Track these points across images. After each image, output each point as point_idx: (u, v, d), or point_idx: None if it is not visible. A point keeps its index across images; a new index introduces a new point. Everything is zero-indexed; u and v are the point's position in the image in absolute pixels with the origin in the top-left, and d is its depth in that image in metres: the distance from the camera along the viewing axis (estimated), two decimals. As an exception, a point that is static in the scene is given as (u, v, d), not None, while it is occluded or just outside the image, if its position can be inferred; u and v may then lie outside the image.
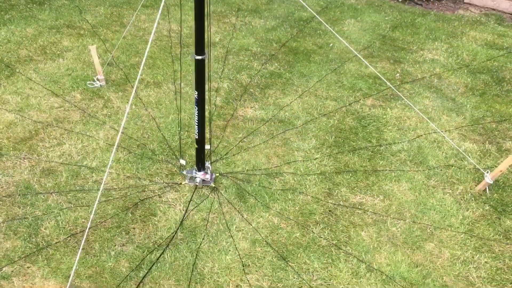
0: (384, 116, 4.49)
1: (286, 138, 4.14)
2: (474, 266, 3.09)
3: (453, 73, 5.25)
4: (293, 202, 3.49)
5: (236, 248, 3.10)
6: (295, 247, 3.14)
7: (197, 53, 2.99)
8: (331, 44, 5.71)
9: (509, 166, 3.57)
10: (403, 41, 5.93)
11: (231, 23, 6.17)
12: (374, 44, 5.80)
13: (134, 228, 3.19)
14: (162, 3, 2.56)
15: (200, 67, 3.06)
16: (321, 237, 3.23)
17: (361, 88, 4.90)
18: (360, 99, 4.71)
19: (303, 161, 3.88)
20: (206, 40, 2.92)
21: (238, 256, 3.05)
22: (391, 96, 4.76)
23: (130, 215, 3.29)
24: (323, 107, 4.57)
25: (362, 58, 3.63)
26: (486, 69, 5.36)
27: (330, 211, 3.45)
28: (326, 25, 3.96)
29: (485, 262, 3.12)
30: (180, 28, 5.87)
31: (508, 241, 3.27)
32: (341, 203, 3.52)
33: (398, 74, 5.18)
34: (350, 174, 3.78)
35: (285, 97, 4.69)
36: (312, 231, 3.27)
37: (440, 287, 2.93)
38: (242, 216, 3.34)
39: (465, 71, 5.31)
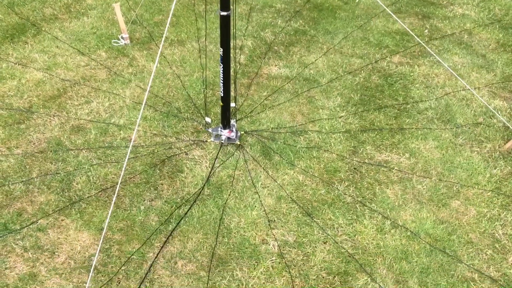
0: (411, 74, 4.40)
1: (311, 96, 4.11)
2: (501, 223, 3.09)
3: (484, 28, 5.08)
4: (318, 160, 3.50)
5: (261, 204, 3.15)
6: (320, 204, 3.18)
7: (222, 9, 2.96)
8: (357, 0, 5.55)
9: (540, 124, 3.49)
10: (432, -5, 5.72)
11: (254, -21, 6.04)
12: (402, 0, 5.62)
13: (162, 184, 3.27)
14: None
15: (225, 23, 3.03)
16: (346, 194, 3.25)
17: (388, 45, 4.79)
18: (386, 56, 4.62)
19: (328, 119, 3.87)
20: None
21: (264, 212, 3.10)
22: (419, 53, 4.64)
23: (158, 171, 3.35)
24: (349, 64, 4.50)
25: (391, 13, 3.53)
26: (519, 24, 5.16)
27: (355, 168, 3.45)
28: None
29: (512, 219, 3.11)
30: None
31: (536, 199, 3.24)
32: (366, 161, 3.51)
33: (426, 30, 5.04)
34: (376, 132, 3.76)
35: (310, 55, 4.62)
36: (337, 188, 3.29)
37: (465, 243, 2.95)
38: (267, 173, 3.38)
39: (497, 26, 5.12)
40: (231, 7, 2.94)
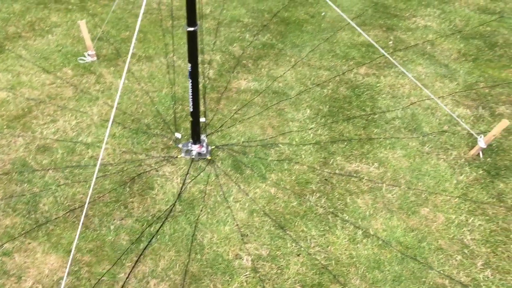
0: (378, 84, 4.48)
1: (280, 109, 4.14)
2: (469, 229, 3.15)
3: (446, 39, 5.24)
4: (289, 172, 3.52)
5: (234, 218, 3.14)
6: (292, 216, 3.18)
7: (189, 25, 2.96)
8: (323, 13, 5.65)
9: (502, 130, 3.59)
10: (395, 8, 5.87)
11: (221, -6, 6.08)
12: (366, 12, 5.74)
13: (132, 202, 3.22)
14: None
15: (192, 38, 3.04)
16: (318, 206, 3.27)
17: (354, 57, 4.88)
18: (353, 68, 4.70)
19: (298, 131, 3.90)
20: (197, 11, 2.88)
21: (237, 226, 3.09)
22: (384, 64, 4.74)
23: (128, 189, 3.30)
24: (317, 77, 4.56)
25: (355, 26, 3.60)
26: (478, 34, 5.34)
27: (326, 179, 3.48)
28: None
29: (479, 224, 3.18)
30: (170, 1, 5.77)
31: (501, 204, 3.33)
32: (337, 171, 3.55)
33: (391, 42, 5.16)
34: (345, 143, 3.80)
35: (278, 68, 4.66)
36: (308, 200, 3.31)
37: (435, 250, 3.00)
38: (239, 187, 3.37)
39: (458, 36, 5.29)
40: (198, 22, 2.95)
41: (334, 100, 4.27)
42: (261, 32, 5.25)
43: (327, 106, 4.18)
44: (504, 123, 3.50)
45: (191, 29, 2.97)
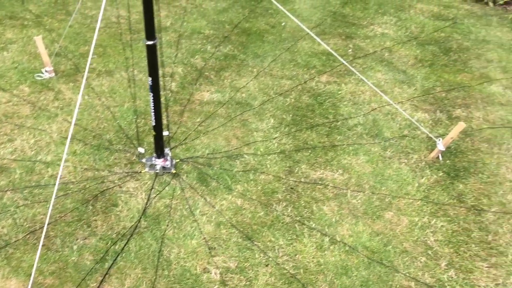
0: (339, 92, 4.56)
1: (244, 119, 4.14)
2: (431, 230, 3.23)
3: (403, 45, 5.38)
4: (255, 183, 3.52)
5: (201, 232, 3.11)
6: (259, 226, 3.18)
7: (148, 38, 2.94)
8: (283, 23, 5.72)
9: (460, 132, 3.71)
10: (353, 16, 6.00)
11: (181, 6, 6.06)
12: (325, 21, 5.85)
13: (96, 220, 3.14)
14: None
15: (152, 52, 3.01)
16: (285, 215, 3.28)
17: (315, 66, 4.95)
18: (315, 77, 4.76)
19: (263, 141, 3.91)
20: (156, 24, 2.86)
21: (204, 240, 3.06)
22: (345, 72, 4.83)
23: (91, 207, 3.23)
24: (279, 86, 4.59)
25: (314, 36, 3.66)
26: (433, 40, 5.51)
27: (292, 188, 3.50)
28: (277, 4, 3.96)
29: (441, 226, 3.26)
30: (129, 14, 5.72)
31: (461, 204, 3.42)
32: (302, 179, 3.57)
33: (350, 50, 5.26)
34: (309, 151, 3.84)
35: (241, 79, 4.68)
36: (275, 209, 3.32)
37: (400, 253, 3.05)
38: (205, 200, 3.34)
39: (414, 43, 5.45)
40: (158, 35, 2.93)
41: (297, 108, 4.31)
42: (222, 44, 5.26)
43: (290, 115, 4.22)
44: (460, 125, 3.61)
45: (150, 42, 2.95)
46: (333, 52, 3.80)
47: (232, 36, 5.42)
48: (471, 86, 4.71)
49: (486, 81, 4.79)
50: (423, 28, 5.80)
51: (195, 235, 3.09)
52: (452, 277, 2.92)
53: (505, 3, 6.46)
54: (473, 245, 3.12)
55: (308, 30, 3.66)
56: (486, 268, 2.98)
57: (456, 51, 5.31)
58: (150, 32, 2.92)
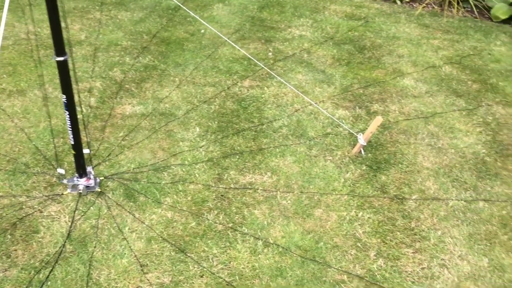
0: (263, 95, 4.61)
1: (169, 130, 4.08)
2: (359, 223, 3.34)
3: (320, 46, 5.55)
4: (184, 193, 3.47)
5: (131, 249, 3.01)
6: (192, 237, 3.14)
7: (58, 54, 2.82)
8: (202, 31, 5.70)
9: (378, 126, 3.87)
10: (271, 20, 6.11)
11: (95, 18, 5.87)
12: (244, 26, 5.90)
13: (15, 250, 2.95)
14: (7, 2, 2.34)
15: (63, 68, 2.90)
16: (217, 223, 3.26)
17: (237, 71, 4.98)
18: (237, 82, 4.79)
19: (189, 150, 3.87)
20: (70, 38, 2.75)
21: (135, 258, 2.97)
22: (267, 75, 4.90)
23: (9, 236, 3.03)
24: (203, 94, 4.57)
25: (232, 43, 3.69)
26: (348, 40, 5.74)
27: (222, 195, 3.49)
28: (192, 13, 3.93)
29: (368, 217, 3.38)
30: (38, 29, 5.45)
31: (385, 195, 3.57)
32: (232, 186, 3.57)
33: (270, 53, 5.35)
34: (237, 156, 3.85)
35: (163, 89, 4.60)
36: (207, 218, 3.29)
37: (331, 248, 3.13)
38: (134, 216, 3.25)
39: (331, 43, 5.64)
40: (72, 50, 2.81)
41: (222, 115, 4.31)
42: (141, 54, 5.15)
43: (216, 122, 4.21)
44: (378, 120, 3.78)
45: (61, 58, 2.83)
46: (251, 58, 3.84)
47: (151, 46, 5.33)
48: (386, 81, 4.95)
49: (399, 75, 5.05)
50: (338, 28, 6.02)
51: (125, 253, 2.99)
52: (381, 266, 3.03)
53: (411, 0, 6.87)
54: (398, 233, 3.27)
55: (225, 38, 3.67)
56: (412, 254, 3.13)
57: (369, 49, 5.56)
58: (60, 47, 2.80)
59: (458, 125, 4.34)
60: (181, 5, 4.06)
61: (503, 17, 6.40)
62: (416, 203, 3.52)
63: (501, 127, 4.35)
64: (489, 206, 3.51)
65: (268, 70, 4.05)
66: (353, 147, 3.99)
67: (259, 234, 3.20)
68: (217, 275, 2.90)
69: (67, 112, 3.06)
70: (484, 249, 3.17)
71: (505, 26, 6.35)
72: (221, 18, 6.08)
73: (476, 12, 6.61)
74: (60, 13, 2.69)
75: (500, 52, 5.64)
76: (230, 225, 3.25)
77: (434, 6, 6.78)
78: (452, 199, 3.55)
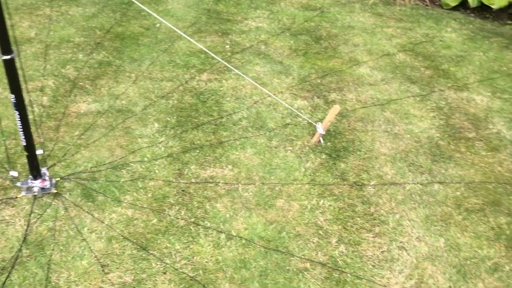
0: (221, 88, 4.59)
1: (127, 127, 4.00)
2: (320, 211, 3.38)
3: (277, 37, 5.57)
4: (145, 190, 3.42)
5: (91, 250, 2.95)
6: (153, 235, 3.10)
7: (4, 53, 2.71)
8: (158, 25, 5.61)
9: (336, 115, 3.93)
10: (227, 13, 6.07)
11: (45, 15, 5.68)
12: (200, 19, 5.85)
13: (-32, 258, 2.84)
14: None
15: (10, 67, 2.79)
16: (179, 218, 3.23)
17: (194, 65, 4.93)
18: (195, 76, 4.75)
19: (148, 146, 3.81)
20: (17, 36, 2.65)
21: (95, 258, 2.91)
22: (225, 68, 4.87)
23: (-39, 244, 2.91)
24: (160, 89, 4.51)
25: (187, 37, 3.64)
26: (305, 30, 5.77)
27: (183, 190, 3.46)
28: (144, 7, 3.86)
29: (329, 205, 3.43)
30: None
31: (344, 182, 3.63)
32: (193, 180, 3.55)
33: (227, 46, 5.32)
34: (198, 151, 3.82)
35: (119, 85, 4.51)
36: (168, 214, 3.25)
37: (294, 237, 3.16)
38: (93, 216, 3.18)
39: (288, 34, 5.66)
40: (21, 48, 2.71)
41: (181, 109, 4.27)
42: (95, 51, 5.02)
43: (174, 117, 4.16)
44: (335, 108, 3.82)
45: (7, 57, 2.72)
46: (207, 51, 3.81)
47: (105, 42, 5.20)
48: (342, 70, 5.01)
49: (355, 64, 5.13)
50: (294, 19, 6.04)
51: (85, 254, 2.92)
52: (343, 252, 3.09)
53: (365, -10, 6.97)
54: (358, 219, 3.33)
55: (181, 32, 3.63)
56: (372, 238, 3.20)
57: (326, 39, 5.61)
58: (5, 45, 2.69)
59: (413, 111, 4.46)
60: (136, 1, 3.97)
61: (453, 4, 6.59)
62: (374, 188, 3.60)
63: (453, 111, 4.50)
64: (443, 188, 3.63)
65: (226, 63, 4.04)
66: (313, 137, 4.03)
67: (222, 227, 3.20)
68: (181, 270, 2.88)
69: (17, 112, 2.95)
70: (440, 230, 3.28)
71: (455, 13, 6.55)
72: (177, 11, 5.99)
73: (427, 0, 6.78)
74: (6, 9, 2.58)
75: (451, 38, 5.81)
76: (192, 219, 3.23)
77: (387, -5, 6.90)
78: (409, 183, 3.65)
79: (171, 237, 3.09)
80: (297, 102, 4.47)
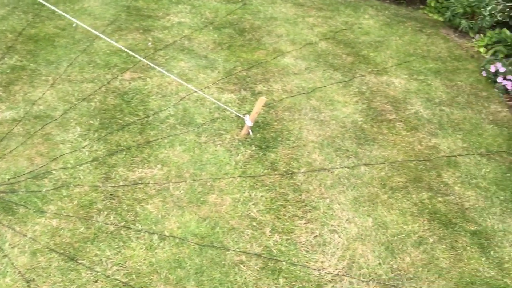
0: (146, 87, 4.48)
1: (46, 133, 3.81)
2: (253, 202, 3.40)
3: (201, 32, 5.51)
4: (70, 198, 3.27)
5: (14, 266, 2.79)
6: (82, 243, 2.98)
7: None
8: (74, 25, 5.37)
9: (263, 106, 3.95)
10: (148, 9, 5.92)
11: None
12: (120, 17, 5.66)
13: None
14: None
15: None
16: (108, 224, 3.13)
17: (116, 64, 4.77)
18: (118, 75, 4.60)
19: (71, 152, 3.65)
20: None
21: (19, 274, 2.75)
22: (148, 66, 4.75)
23: None
24: (81, 91, 4.32)
25: (105, 37, 3.51)
26: (228, 23, 5.76)
27: (111, 195, 3.35)
28: (54, 8, 3.68)
29: (261, 196, 3.46)
30: None
31: (275, 172, 3.67)
32: (121, 183, 3.44)
33: (150, 43, 5.20)
34: (124, 152, 3.71)
35: (35, 90, 4.27)
36: (96, 220, 3.14)
37: (228, 231, 3.16)
38: (14, 230, 3.00)
39: (211, 28, 5.62)
40: None
41: (104, 111, 4.12)
42: (7, 55, 4.72)
43: (98, 119, 4.01)
44: (261, 100, 3.85)
45: None
46: (126, 50, 3.71)
47: (17, 45, 4.90)
48: (267, 61, 5.06)
49: (279, 54, 5.19)
50: (217, 12, 6.01)
51: (7, 271, 2.75)
52: (277, 241, 3.13)
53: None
54: (290, 207, 3.39)
55: (97, 33, 3.49)
56: (304, 225, 3.26)
57: (249, 31, 5.63)
58: None
59: (337, 97, 4.59)
60: (43, 2, 3.78)
61: (369, -8, 6.82)
62: (304, 175, 3.67)
63: (374, 95, 4.67)
64: (369, 169, 3.77)
65: (147, 62, 3.94)
66: (242, 129, 4.04)
67: (154, 228, 3.13)
68: (113, 277, 2.79)
69: None
70: (368, 210, 3.40)
71: (372, 0, 6.79)
72: (94, 9, 5.76)
73: (345, -11, 6.97)
74: None
75: (369, 25, 6.03)
76: (123, 224, 3.14)
77: (307, -15, 7.03)
78: (337, 168, 3.75)
79: (101, 244, 2.99)
80: (224, 96, 4.45)
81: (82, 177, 3.45)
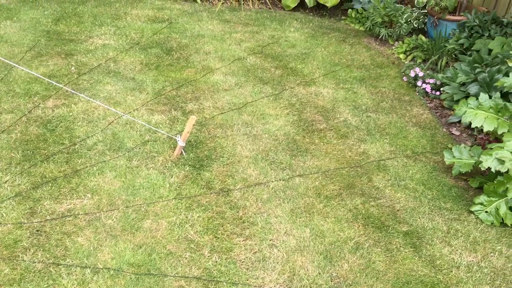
0: (71, 114, 4.30)
1: (-38, 171, 3.55)
2: (190, 224, 3.33)
3: (127, 53, 5.40)
4: (-9, 239, 3.06)
5: None
6: (7, 286, 2.78)
7: None
8: (-11, 53, 5.09)
9: (194, 125, 3.91)
10: (69, 32, 5.73)
11: None
12: (39, 42, 5.43)
13: None
14: None
15: None
16: (35, 262, 2.94)
17: (37, 92, 4.55)
18: (39, 103, 4.38)
19: (-9, 189, 3.42)
20: None
21: None
22: (72, 92, 4.58)
23: None
24: (-1, 123, 4.09)
25: (20, 67, 3.33)
26: (155, 43, 5.68)
27: (37, 230, 3.16)
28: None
29: (198, 216, 3.39)
30: None
31: (211, 191, 3.63)
32: (48, 217, 3.26)
33: (73, 68, 5.02)
34: (50, 184, 3.53)
35: None
36: (22, 260, 2.94)
37: (165, 257, 3.06)
38: None
39: (137, 48, 5.52)
40: None
41: (26, 142, 3.91)
42: None
43: (19, 152, 3.79)
44: (192, 119, 3.80)
45: None
46: (43, 78, 3.54)
47: None
48: (197, 79, 5.03)
49: (208, 72, 5.18)
50: (143, 33, 5.92)
51: None
52: (216, 261, 3.07)
53: (210, -2, 7.09)
54: (228, 225, 3.35)
55: (14, 64, 3.31)
56: (243, 242, 3.23)
57: (177, 50, 5.58)
58: None
59: (268, 110, 4.63)
60: None
61: (292, 5, 7.01)
62: (241, 192, 3.65)
63: (304, 106, 4.76)
64: (304, 180, 3.81)
65: (68, 89, 3.78)
66: (174, 150, 3.96)
67: (86, 262, 2.98)
68: (43, 319, 2.62)
69: None
70: (305, 221, 3.43)
71: (296, 14, 6.97)
72: (11, 36, 5.50)
73: (269, 3, 7.11)
74: None
75: (295, 37, 6.17)
76: (51, 260, 2.96)
77: (232, 1, 7.11)
78: (272, 181, 3.77)
79: (28, 284, 2.80)
80: (155, 117, 4.37)
81: (4, 214, 3.23)
